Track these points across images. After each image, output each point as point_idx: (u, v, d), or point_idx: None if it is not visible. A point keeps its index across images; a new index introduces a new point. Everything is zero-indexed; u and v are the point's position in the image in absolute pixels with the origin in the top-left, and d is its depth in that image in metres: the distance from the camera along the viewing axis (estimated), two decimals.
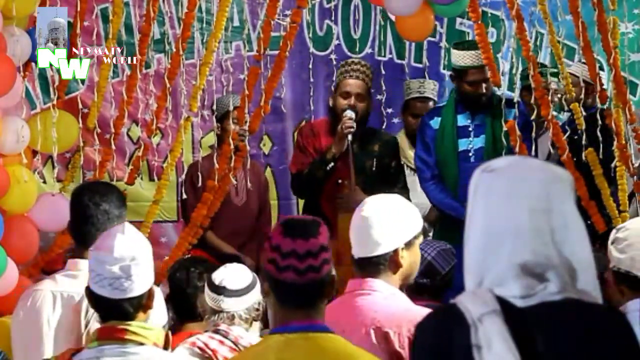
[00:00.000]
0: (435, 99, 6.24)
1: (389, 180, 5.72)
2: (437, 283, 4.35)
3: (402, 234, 3.13)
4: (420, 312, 2.92)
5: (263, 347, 2.64)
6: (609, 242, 3.53)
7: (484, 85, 5.57)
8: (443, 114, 5.78)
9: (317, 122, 5.84)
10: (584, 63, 5.67)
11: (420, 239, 3.23)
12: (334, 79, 5.79)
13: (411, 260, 3.17)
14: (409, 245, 3.14)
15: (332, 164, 5.56)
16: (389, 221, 3.11)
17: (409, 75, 6.78)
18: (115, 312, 2.89)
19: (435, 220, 5.92)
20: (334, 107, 5.66)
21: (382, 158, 5.71)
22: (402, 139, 6.22)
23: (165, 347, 3.18)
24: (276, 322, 2.64)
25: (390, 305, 3.06)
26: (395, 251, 3.12)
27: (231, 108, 5.70)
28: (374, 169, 5.65)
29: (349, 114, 5.53)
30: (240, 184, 5.78)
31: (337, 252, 5.43)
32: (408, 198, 5.70)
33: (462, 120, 5.74)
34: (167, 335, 3.17)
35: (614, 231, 3.58)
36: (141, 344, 2.86)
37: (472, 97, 5.60)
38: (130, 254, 2.86)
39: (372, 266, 3.13)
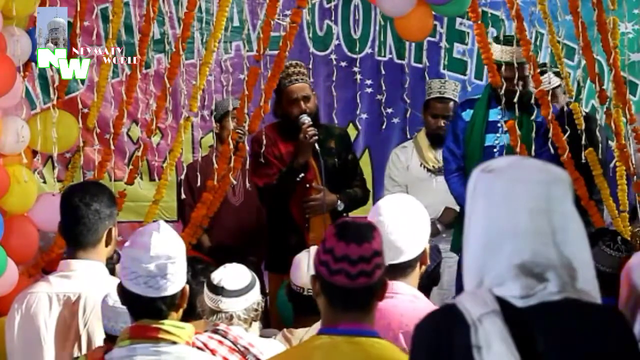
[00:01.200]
0: (456, 99, 6.21)
1: (349, 174, 5.77)
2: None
3: (427, 234, 3.17)
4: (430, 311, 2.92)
5: (310, 347, 2.64)
6: None
7: (520, 83, 5.50)
8: (476, 107, 5.76)
9: (269, 129, 5.75)
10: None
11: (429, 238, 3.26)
12: (333, 79, 5.79)
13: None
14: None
15: (302, 174, 5.56)
16: (417, 224, 3.14)
17: (409, 75, 6.78)
18: (148, 310, 2.85)
19: (453, 221, 5.93)
20: (285, 115, 5.61)
21: (339, 153, 5.73)
22: (422, 139, 6.22)
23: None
24: (325, 322, 2.63)
25: (416, 308, 3.04)
26: (424, 251, 3.17)
27: (230, 108, 5.70)
28: (337, 166, 5.65)
29: (306, 120, 5.52)
30: (237, 184, 5.77)
31: None
32: (367, 191, 5.77)
33: (493, 115, 5.69)
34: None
35: None
36: (174, 342, 2.84)
37: (505, 92, 5.52)
38: (166, 253, 2.83)
39: (400, 270, 3.13)
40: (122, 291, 2.90)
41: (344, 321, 2.57)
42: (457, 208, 5.92)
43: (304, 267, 4.01)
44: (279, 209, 5.72)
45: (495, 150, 5.65)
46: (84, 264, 3.50)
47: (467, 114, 5.78)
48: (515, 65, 5.44)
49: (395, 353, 2.60)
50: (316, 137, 5.51)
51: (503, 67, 5.45)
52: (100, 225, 3.49)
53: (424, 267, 3.21)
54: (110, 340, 3.16)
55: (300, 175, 5.56)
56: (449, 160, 5.82)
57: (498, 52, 5.54)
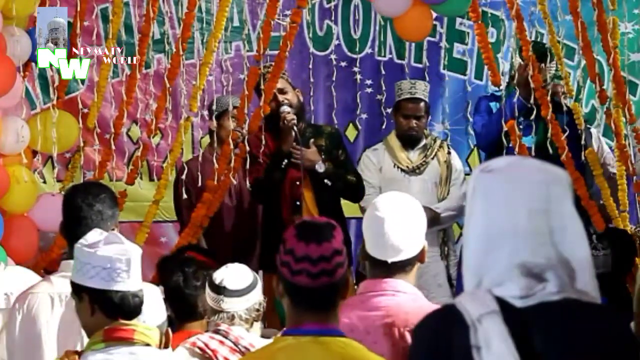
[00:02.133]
0: (426, 99, 6.21)
1: (343, 169, 5.74)
2: None
3: (424, 231, 3.15)
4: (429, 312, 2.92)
5: (274, 349, 2.62)
6: None
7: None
8: (501, 105, 5.75)
9: (258, 130, 5.74)
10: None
11: None
12: (333, 79, 5.79)
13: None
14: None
15: (286, 160, 5.54)
16: (416, 221, 3.12)
17: (409, 75, 6.78)
18: (122, 307, 2.87)
19: (430, 220, 5.93)
20: (270, 113, 5.59)
21: (330, 151, 5.71)
22: (393, 140, 6.18)
23: (166, 346, 3.18)
24: (289, 323, 2.62)
25: (421, 306, 3.01)
26: (423, 248, 3.15)
27: (230, 107, 5.69)
28: (326, 161, 5.64)
29: (285, 108, 5.52)
30: (233, 185, 5.76)
31: None
32: (361, 181, 5.75)
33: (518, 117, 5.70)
34: (167, 334, 3.17)
35: None
36: (147, 344, 2.85)
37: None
38: (125, 253, 2.87)
39: (399, 268, 3.11)
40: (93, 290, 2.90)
41: (308, 321, 2.55)
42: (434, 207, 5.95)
43: None
44: (271, 207, 5.71)
45: (515, 152, 5.64)
46: None
47: (494, 105, 5.79)
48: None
49: (361, 351, 2.58)
50: (294, 122, 5.49)
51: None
52: (103, 226, 3.48)
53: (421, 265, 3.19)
54: None
55: (284, 162, 5.54)
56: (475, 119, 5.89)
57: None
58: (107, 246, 2.89)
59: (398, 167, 6.11)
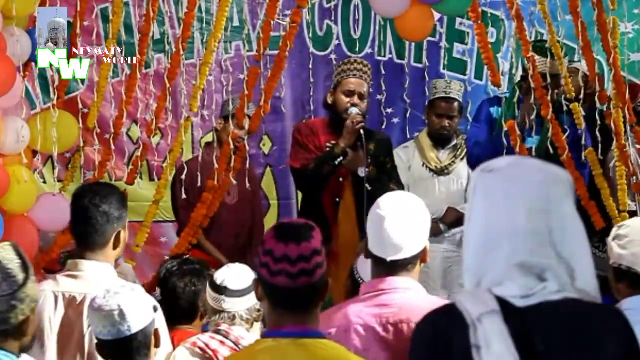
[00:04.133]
0: (460, 100, 6.20)
1: (386, 175, 5.73)
2: None
3: (427, 231, 3.15)
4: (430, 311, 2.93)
5: (255, 351, 2.62)
6: (610, 238, 3.53)
7: (555, 92, 5.47)
8: (504, 107, 5.74)
9: (314, 121, 5.81)
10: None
11: None
12: (334, 77, 5.78)
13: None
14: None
15: (341, 158, 5.53)
16: (418, 222, 3.12)
17: (409, 75, 6.78)
18: None
19: (455, 221, 5.94)
20: (334, 105, 5.61)
21: (377, 157, 5.70)
22: (424, 139, 6.19)
23: (157, 346, 3.19)
24: (269, 325, 2.62)
25: (434, 302, 3.01)
26: (424, 249, 3.15)
27: (231, 113, 5.65)
28: (371, 166, 5.64)
29: (355, 110, 5.52)
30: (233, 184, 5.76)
31: (334, 253, 5.46)
32: (402, 190, 5.74)
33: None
34: (156, 333, 3.17)
35: (615, 228, 3.58)
36: None
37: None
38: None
39: (401, 266, 3.12)
40: None
41: (288, 323, 2.56)
42: (460, 208, 5.94)
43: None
44: (311, 199, 5.71)
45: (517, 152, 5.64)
46: (92, 265, 3.50)
47: (495, 110, 5.78)
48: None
49: (341, 353, 2.59)
50: (362, 124, 5.49)
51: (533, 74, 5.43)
52: (109, 228, 3.49)
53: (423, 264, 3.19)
54: (101, 345, 3.15)
55: (339, 160, 5.53)
56: (469, 137, 5.86)
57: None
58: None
59: (427, 167, 6.13)
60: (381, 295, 3.09)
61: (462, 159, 6.12)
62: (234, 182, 5.40)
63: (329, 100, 5.63)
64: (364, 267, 3.86)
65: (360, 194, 5.46)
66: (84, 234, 3.51)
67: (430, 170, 6.12)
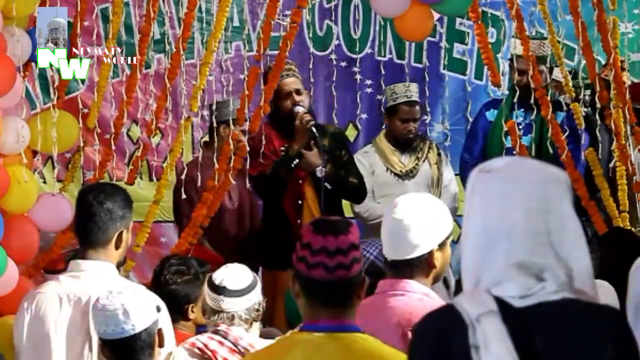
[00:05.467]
0: (419, 101, 6.24)
1: (344, 170, 5.74)
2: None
3: (435, 236, 3.11)
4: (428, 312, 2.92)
5: (290, 343, 2.64)
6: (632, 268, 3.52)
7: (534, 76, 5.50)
8: (500, 108, 5.76)
9: (264, 126, 5.76)
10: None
11: (451, 238, 3.19)
12: (333, 79, 5.81)
13: (443, 261, 3.15)
14: (442, 246, 3.13)
15: (297, 160, 5.56)
16: (423, 224, 3.09)
17: (409, 75, 6.78)
18: None
19: None
20: (278, 110, 5.62)
21: (333, 151, 5.72)
22: (383, 143, 6.17)
23: (160, 345, 3.18)
24: (305, 319, 2.62)
25: (426, 307, 3.00)
26: (430, 253, 3.10)
27: (231, 117, 5.63)
28: (327, 163, 5.64)
29: (301, 109, 5.56)
30: (233, 187, 5.76)
31: None
32: (363, 184, 5.75)
33: (515, 118, 5.72)
34: (160, 333, 3.17)
35: None
36: None
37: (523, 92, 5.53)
38: None
39: (406, 268, 3.11)
40: None
41: (324, 317, 2.56)
42: None
43: None
44: (273, 204, 5.73)
45: (514, 152, 5.65)
46: (94, 264, 3.49)
47: (491, 114, 5.81)
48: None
49: (377, 345, 2.59)
50: (313, 122, 5.53)
51: (516, 61, 5.45)
52: (111, 225, 3.49)
53: (434, 270, 3.13)
54: (104, 345, 3.15)
55: (295, 162, 5.55)
56: (465, 158, 5.87)
57: (512, 46, 5.56)
58: None
59: (391, 171, 6.11)
60: (385, 298, 3.12)
61: (424, 161, 6.14)
62: (233, 182, 5.39)
63: (269, 110, 5.56)
64: None
65: (322, 193, 5.49)
66: (87, 230, 3.51)
67: (395, 174, 6.10)
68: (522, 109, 5.67)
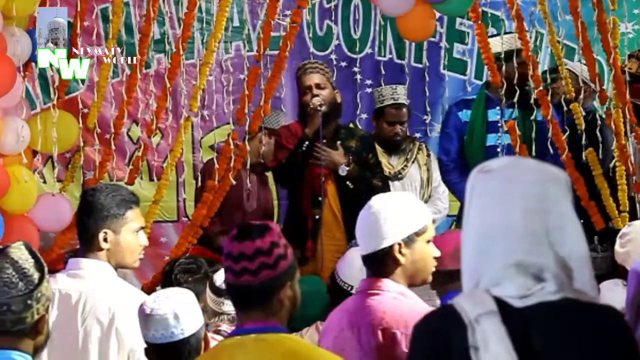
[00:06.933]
0: (407, 103, 6.25)
1: (369, 172, 5.77)
2: None
3: (399, 229, 3.09)
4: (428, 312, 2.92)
5: (217, 348, 2.69)
6: (618, 236, 3.54)
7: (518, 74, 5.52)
8: (473, 107, 5.77)
9: (292, 124, 5.88)
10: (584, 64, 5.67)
11: (426, 237, 3.16)
12: (333, 79, 5.82)
13: (414, 259, 3.11)
14: (409, 242, 3.10)
15: (307, 142, 5.62)
16: (386, 216, 3.09)
17: (409, 75, 6.78)
18: None
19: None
20: (301, 107, 5.75)
21: (359, 153, 5.75)
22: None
23: (205, 350, 3.19)
24: (236, 324, 2.69)
25: (399, 307, 3.04)
26: (392, 247, 3.09)
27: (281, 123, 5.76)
28: (351, 163, 5.66)
29: (316, 99, 5.63)
30: (253, 190, 5.79)
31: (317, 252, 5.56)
32: (387, 188, 5.77)
33: (492, 116, 5.74)
34: (206, 338, 3.17)
35: (625, 226, 3.60)
36: None
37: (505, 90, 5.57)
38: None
39: (374, 263, 3.11)
40: None
41: (248, 320, 2.61)
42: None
43: (357, 264, 3.84)
44: (294, 199, 5.80)
45: (498, 149, 5.66)
46: (92, 263, 3.50)
47: (464, 114, 5.81)
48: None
49: (301, 345, 2.62)
50: (323, 107, 5.58)
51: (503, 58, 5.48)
52: (92, 225, 3.48)
53: (402, 268, 3.11)
54: (152, 349, 3.14)
55: (305, 144, 5.63)
56: (444, 160, 5.87)
57: (497, 44, 5.58)
58: None
59: None
60: (361, 297, 3.14)
61: (413, 162, 6.16)
62: (233, 181, 5.39)
63: (298, 108, 5.74)
64: (345, 269, 3.88)
65: (344, 191, 5.52)
66: (87, 225, 3.51)
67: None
68: (498, 107, 5.69)
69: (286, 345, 2.58)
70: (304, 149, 5.65)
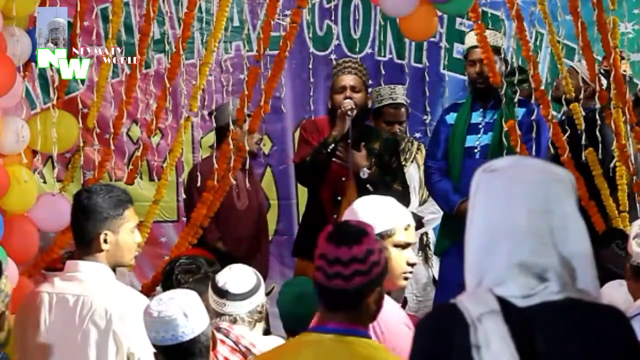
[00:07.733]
0: (406, 103, 6.24)
1: (391, 176, 5.75)
2: None
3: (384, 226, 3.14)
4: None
5: (299, 343, 2.68)
6: (631, 236, 3.52)
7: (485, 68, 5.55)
8: (460, 109, 5.79)
9: (319, 119, 5.88)
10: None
11: (393, 240, 3.18)
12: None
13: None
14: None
15: (333, 145, 5.58)
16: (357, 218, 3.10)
17: (409, 75, 6.78)
18: None
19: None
20: (332, 106, 5.67)
21: (382, 156, 5.73)
22: None
23: (214, 348, 3.19)
24: (317, 322, 2.67)
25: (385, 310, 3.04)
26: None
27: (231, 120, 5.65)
28: (373, 166, 5.66)
29: (347, 102, 5.58)
30: (241, 188, 5.77)
31: None
32: (407, 194, 5.77)
33: (475, 118, 5.76)
34: (214, 336, 3.18)
35: (635, 225, 3.57)
36: None
37: (475, 81, 5.57)
38: None
39: None
40: None
41: (333, 320, 2.61)
42: (416, 211, 6.00)
43: None
44: (313, 196, 5.79)
45: (476, 150, 5.69)
46: (91, 265, 3.49)
47: (450, 117, 5.84)
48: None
49: (382, 353, 2.62)
50: (352, 109, 5.54)
51: (470, 53, 5.52)
52: (89, 226, 3.47)
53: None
54: (162, 352, 3.13)
55: (331, 147, 5.59)
56: (429, 164, 5.87)
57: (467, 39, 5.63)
58: None
59: None
60: None
61: (412, 162, 6.15)
62: (233, 181, 5.39)
63: (329, 104, 5.70)
64: None
65: (364, 194, 5.49)
66: (83, 227, 3.50)
67: None
68: (481, 109, 5.71)
69: (368, 351, 2.58)
70: (329, 150, 5.61)
